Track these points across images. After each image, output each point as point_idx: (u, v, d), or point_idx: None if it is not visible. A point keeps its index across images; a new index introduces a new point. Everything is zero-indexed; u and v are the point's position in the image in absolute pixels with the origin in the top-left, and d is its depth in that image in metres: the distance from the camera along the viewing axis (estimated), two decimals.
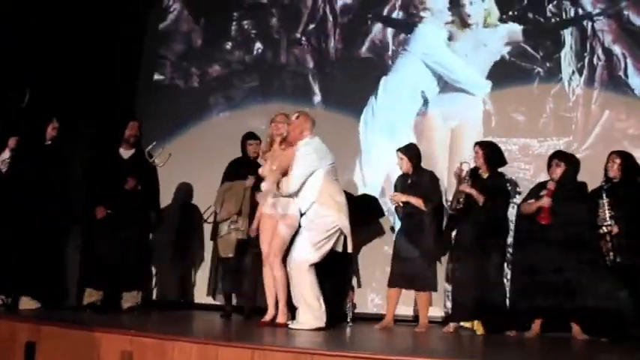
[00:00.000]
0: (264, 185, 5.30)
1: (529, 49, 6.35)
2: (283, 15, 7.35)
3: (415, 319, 5.83)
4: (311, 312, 4.96)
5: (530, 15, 6.38)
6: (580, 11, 6.23)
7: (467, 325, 5.36)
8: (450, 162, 6.23)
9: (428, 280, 5.45)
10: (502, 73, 6.38)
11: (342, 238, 5.11)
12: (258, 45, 7.43)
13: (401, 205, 5.53)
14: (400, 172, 5.77)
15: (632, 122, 5.95)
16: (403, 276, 5.46)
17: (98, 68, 6.97)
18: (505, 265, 5.53)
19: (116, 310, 5.82)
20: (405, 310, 6.02)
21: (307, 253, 5.01)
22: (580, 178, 5.38)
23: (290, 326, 4.99)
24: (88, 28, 6.92)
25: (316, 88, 7.08)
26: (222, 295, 6.09)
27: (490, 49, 6.43)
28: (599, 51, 6.13)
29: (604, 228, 5.03)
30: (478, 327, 5.30)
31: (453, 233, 5.72)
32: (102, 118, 6.70)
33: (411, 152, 5.62)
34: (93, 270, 5.86)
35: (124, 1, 7.34)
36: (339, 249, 5.13)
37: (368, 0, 7.06)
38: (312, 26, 7.21)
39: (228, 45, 7.55)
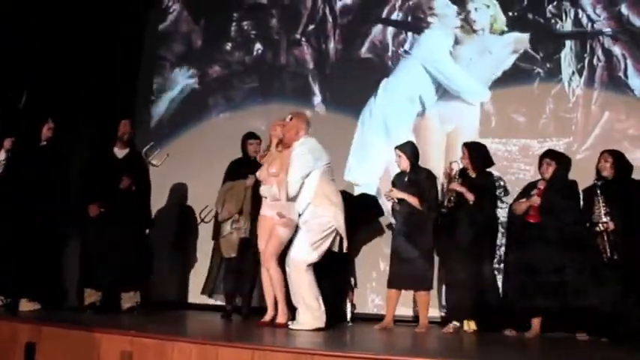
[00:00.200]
0: (263, 189, 5.30)
1: (529, 49, 6.35)
2: (283, 16, 7.35)
3: (415, 319, 5.83)
4: (310, 312, 4.96)
5: (530, 16, 6.39)
6: (580, 12, 6.23)
7: (458, 323, 5.37)
8: (446, 165, 6.22)
9: (426, 279, 5.45)
10: (502, 73, 6.38)
11: (339, 237, 5.12)
12: (258, 46, 7.43)
13: (396, 201, 5.52)
14: (397, 172, 5.78)
15: (632, 123, 5.96)
16: (402, 276, 5.46)
17: (98, 68, 6.98)
18: (495, 263, 5.54)
19: (116, 311, 5.82)
20: (405, 310, 6.02)
21: (304, 253, 5.01)
22: (580, 178, 5.39)
23: (290, 326, 4.99)
24: (88, 28, 6.93)
25: (316, 89, 7.08)
26: (221, 295, 6.07)
27: (495, 57, 6.43)
28: (599, 52, 6.14)
29: (600, 226, 5.04)
30: (469, 324, 5.30)
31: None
32: (101, 119, 6.69)
33: (409, 150, 5.62)
34: (91, 270, 5.85)
35: (123, 1, 7.34)
36: (336, 249, 5.13)
37: (368, 1, 7.06)
38: (311, 27, 7.21)
39: (228, 46, 7.55)
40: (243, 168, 5.90)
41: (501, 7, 6.48)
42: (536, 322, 5.21)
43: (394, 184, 5.69)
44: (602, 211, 5.05)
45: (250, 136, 6.08)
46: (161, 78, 7.71)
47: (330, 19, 7.13)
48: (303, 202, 5.08)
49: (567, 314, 5.10)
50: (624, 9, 6.10)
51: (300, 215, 5.13)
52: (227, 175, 6.07)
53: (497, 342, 5.02)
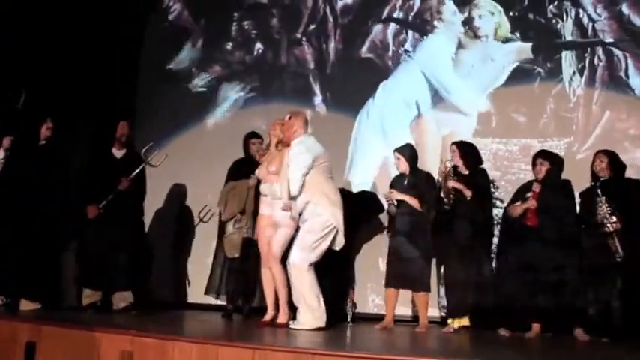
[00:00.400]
0: (263, 187, 5.29)
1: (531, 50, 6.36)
2: (284, 15, 7.35)
3: (415, 319, 5.82)
4: (311, 312, 4.96)
5: (531, 16, 6.38)
6: (581, 12, 6.23)
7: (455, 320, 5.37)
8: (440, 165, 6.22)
9: (424, 280, 5.45)
10: (503, 73, 6.38)
11: (339, 236, 5.12)
12: (258, 45, 7.43)
13: (395, 203, 5.52)
14: (393, 175, 5.81)
15: (632, 122, 5.95)
16: (399, 276, 5.45)
17: (98, 68, 6.97)
18: (492, 262, 5.54)
19: (113, 311, 5.82)
20: (405, 310, 6.02)
21: (305, 253, 5.01)
22: (581, 178, 5.38)
23: (290, 326, 4.99)
24: (89, 28, 6.92)
25: (316, 89, 7.08)
26: (224, 295, 6.07)
27: (497, 64, 6.42)
28: (600, 51, 6.13)
29: (610, 226, 5.01)
30: (463, 321, 5.31)
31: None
32: (102, 119, 6.69)
33: (408, 152, 5.63)
34: (89, 270, 5.85)
35: (124, 1, 7.34)
36: (337, 247, 5.13)
37: (368, 1, 7.06)
38: (312, 27, 7.21)
39: (229, 45, 7.54)
40: (245, 168, 5.90)
41: (503, 7, 6.47)
42: (536, 323, 5.20)
43: (393, 186, 5.68)
44: (607, 211, 5.03)
45: (253, 135, 6.08)
46: (161, 77, 7.71)
47: (331, 19, 7.13)
48: (301, 200, 5.08)
49: (567, 314, 5.09)
50: (625, 8, 6.09)
51: (299, 214, 5.12)
52: (229, 175, 6.07)
53: (498, 342, 5.02)
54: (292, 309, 5.17)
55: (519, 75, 6.35)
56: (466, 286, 5.29)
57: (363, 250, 6.39)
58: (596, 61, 6.14)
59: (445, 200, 5.38)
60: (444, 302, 5.92)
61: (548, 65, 6.27)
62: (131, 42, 7.58)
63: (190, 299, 6.96)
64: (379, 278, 6.19)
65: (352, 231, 5.28)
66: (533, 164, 5.42)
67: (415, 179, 5.55)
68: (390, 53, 6.86)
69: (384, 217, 6.30)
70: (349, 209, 5.27)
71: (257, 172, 5.40)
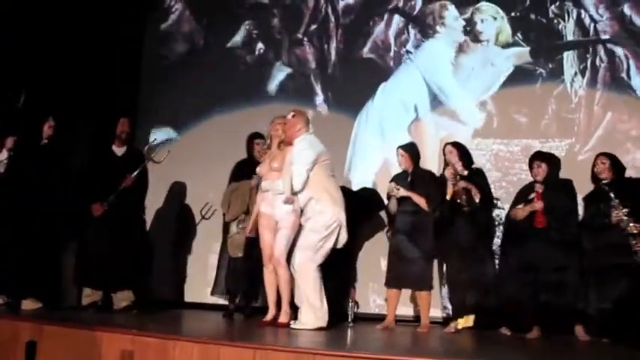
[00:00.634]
0: (265, 184, 5.28)
1: (532, 49, 6.35)
2: (285, 15, 7.35)
3: (416, 319, 5.82)
4: (313, 312, 4.96)
5: (533, 16, 6.38)
6: (582, 12, 6.22)
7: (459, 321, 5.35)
8: (440, 170, 6.20)
9: (426, 279, 5.44)
10: (504, 74, 6.38)
11: (341, 234, 5.12)
12: (259, 45, 7.43)
13: (396, 196, 5.49)
14: (397, 172, 5.78)
15: (634, 123, 5.95)
16: (401, 276, 5.44)
17: (99, 68, 6.97)
18: (495, 262, 5.54)
19: (114, 310, 5.82)
20: (407, 310, 6.02)
21: (310, 252, 5.01)
22: (582, 179, 5.38)
23: (292, 326, 4.98)
24: (90, 28, 6.92)
25: (318, 89, 7.08)
26: (228, 295, 6.07)
27: (497, 69, 6.42)
28: (602, 52, 6.13)
29: (632, 227, 4.94)
30: (467, 321, 5.29)
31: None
32: (103, 118, 6.67)
33: (412, 150, 5.63)
34: (89, 269, 5.84)
35: (125, 1, 7.33)
36: (340, 245, 5.13)
37: (370, 1, 7.05)
38: (313, 27, 7.21)
39: (230, 45, 7.53)
40: (248, 168, 5.89)
41: (504, 7, 6.47)
42: (539, 323, 5.20)
43: (393, 183, 5.66)
44: (623, 213, 4.98)
45: (257, 135, 6.06)
46: (162, 77, 7.71)
47: (333, 19, 7.13)
48: (304, 196, 5.08)
49: (571, 315, 5.08)
50: (627, 9, 6.09)
51: (301, 210, 5.13)
52: (232, 176, 6.07)
53: (499, 342, 5.02)
54: (293, 309, 5.17)
55: (521, 76, 6.35)
56: (470, 287, 5.28)
57: (364, 250, 6.38)
58: (597, 61, 6.14)
59: (458, 201, 5.32)
60: (446, 302, 5.94)
61: (550, 66, 6.27)
62: (132, 42, 7.58)
63: (191, 299, 6.95)
64: (380, 278, 6.17)
65: (353, 230, 5.26)
66: (530, 167, 5.42)
67: (417, 177, 5.54)
68: (392, 54, 6.86)
69: (385, 216, 6.31)
70: (350, 206, 5.26)
71: (258, 169, 5.38)
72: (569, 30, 6.27)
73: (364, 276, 6.38)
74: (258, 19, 7.46)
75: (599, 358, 4.48)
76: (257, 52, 7.40)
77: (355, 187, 6.58)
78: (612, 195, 5.04)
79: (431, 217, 5.46)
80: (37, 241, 5.65)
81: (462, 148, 5.59)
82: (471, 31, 6.57)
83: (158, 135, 7.41)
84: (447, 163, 5.55)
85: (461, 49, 6.58)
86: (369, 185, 6.58)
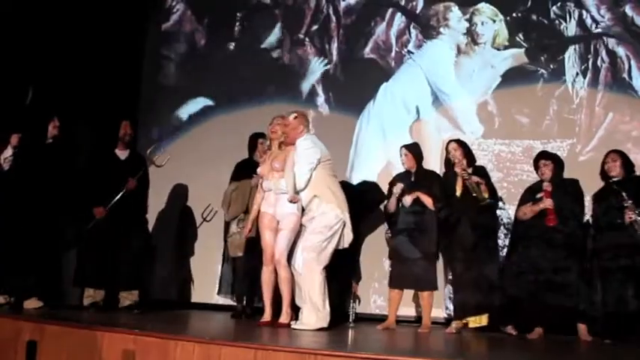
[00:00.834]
0: (266, 184, 5.28)
1: (532, 49, 6.36)
2: (287, 15, 7.34)
3: (418, 319, 5.82)
4: (315, 313, 4.96)
5: (534, 17, 6.38)
6: (584, 13, 6.22)
7: (469, 320, 5.35)
8: (441, 170, 6.20)
9: (430, 280, 5.43)
10: (505, 75, 6.38)
11: (343, 235, 5.12)
12: (261, 45, 7.42)
13: (396, 195, 5.49)
14: (400, 171, 5.79)
15: (636, 124, 5.96)
16: (405, 277, 5.44)
17: (101, 68, 6.97)
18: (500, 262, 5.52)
19: (115, 309, 5.83)
20: (408, 310, 6.01)
21: (314, 253, 5.01)
22: (584, 179, 5.38)
23: (293, 326, 4.98)
24: (91, 28, 6.92)
25: (319, 89, 7.07)
26: (232, 295, 6.08)
27: (497, 70, 6.43)
28: (603, 53, 6.13)
29: None
30: (480, 320, 5.30)
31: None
32: (105, 119, 6.69)
33: (415, 150, 5.63)
34: (92, 270, 5.85)
35: (127, 1, 7.33)
36: (345, 245, 5.14)
37: (371, 1, 7.05)
38: (315, 27, 7.21)
39: (232, 45, 7.54)
40: (249, 168, 5.90)
41: (506, 8, 6.47)
42: (547, 323, 5.20)
43: (395, 182, 5.66)
44: (637, 212, 4.93)
45: (261, 135, 6.04)
46: (164, 78, 7.71)
47: (334, 19, 7.12)
48: (308, 194, 5.09)
49: (577, 315, 5.08)
50: (629, 10, 6.09)
51: (303, 210, 5.14)
52: (233, 175, 6.07)
53: (501, 343, 5.01)
54: (293, 309, 5.17)
55: (522, 76, 6.35)
56: (480, 285, 5.25)
57: (365, 250, 6.38)
58: (599, 62, 6.13)
59: (474, 195, 5.27)
60: (448, 303, 5.95)
61: (552, 67, 6.27)
62: (133, 42, 7.57)
63: (197, 299, 6.96)
64: (382, 279, 6.19)
65: (356, 230, 5.25)
66: (536, 166, 5.41)
67: (421, 177, 5.54)
68: (393, 54, 6.86)
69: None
70: (352, 205, 5.25)
71: (259, 169, 5.38)
72: (570, 31, 6.27)
73: (366, 276, 6.38)
74: (260, 20, 7.44)
75: (601, 358, 4.48)
76: (258, 52, 7.40)
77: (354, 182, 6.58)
78: (625, 195, 5.01)
79: (434, 217, 5.45)
80: (39, 240, 5.65)
81: (465, 145, 5.58)
82: (470, 32, 6.57)
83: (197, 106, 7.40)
84: (448, 160, 5.53)
85: (463, 50, 6.59)
86: (373, 185, 6.54)
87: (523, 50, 6.37)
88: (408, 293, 5.70)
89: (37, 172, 5.72)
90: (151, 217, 6.65)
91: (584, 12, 6.23)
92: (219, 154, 6.89)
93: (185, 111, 7.52)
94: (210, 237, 6.84)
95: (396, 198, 5.51)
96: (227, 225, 6.07)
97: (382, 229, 6.34)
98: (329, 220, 5.06)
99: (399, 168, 5.85)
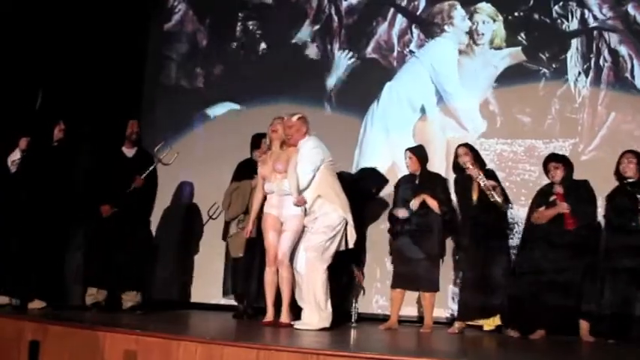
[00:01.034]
0: (268, 186, 5.28)
1: (533, 50, 6.35)
2: (288, 16, 7.33)
3: (420, 319, 5.81)
4: (318, 313, 4.98)
5: (536, 16, 6.37)
6: (586, 12, 6.21)
7: (480, 322, 5.33)
8: (447, 171, 6.19)
9: (432, 281, 5.43)
10: (507, 74, 6.37)
11: (346, 236, 5.13)
12: (263, 45, 7.43)
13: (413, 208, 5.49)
14: (397, 178, 5.82)
15: (638, 124, 5.94)
16: (407, 277, 5.44)
17: (103, 69, 6.97)
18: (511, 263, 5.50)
19: (118, 310, 5.83)
20: (410, 311, 6.01)
21: (318, 254, 5.02)
22: (586, 179, 5.35)
23: (295, 326, 4.99)
24: (93, 29, 6.91)
25: (321, 89, 7.06)
26: (234, 295, 6.07)
27: (499, 70, 6.43)
28: (606, 52, 6.12)
29: None
30: (494, 322, 5.28)
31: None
32: (107, 119, 6.70)
33: (420, 153, 5.63)
34: (97, 269, 5.86)
35: (129, 1, 7.34)
36: (350, 245, 5.15)
37: (373, 1, 7.05)
38: (317, 27, 7.20)
39: (233, 45, 7.54)
40: (250, 168, 5.89)
41: (508, 7, 6.46)
42: (541, 329, 5.19)
43: (400, 186, 5.66)
44: None
45: (264, 135, 6.01)
46: (166, 78, 7.71)
47: (336, 19, 7.12)
48: (311, 194, 5.10)
49: (585, 315, 5.07)
50: (631, 9, 6.08)
51: (306, 211, 5.14)
52: (234, 175, 6.07)
53: (502, 343, 5.01)
54: (293, 309, 5.18)
55: (524, 76, 6.34)
56: (492, 287, 5.24)
57: (368, 250, 6.36)
58: (601, 61, 6.13)
59: (492, 199, 5.24)
60: (450, 303, 5.95)
61: (554, 66, 6.26)
62: (136, 42, 7.57)
63: (199, 299, 6.95)
64: (384, 279, 6.19)
65: (358, 230, 5.25)
66: (546, 169, 5.36)
67: (426, 180, 5.54)
68: (395, 54, 6.86)
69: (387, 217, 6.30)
70: (355, 186, 5.24)
71: (260, 170, 5.37)
72: (572, 30, 6.25)
73: (368, 277, 6.35)
74: (262, 20, 7.45)
75: (606, 358, 4.48)
76: (260, 53, 7.40)
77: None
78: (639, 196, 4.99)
79: (439, 219, 5.45)
80: (43, 241, 5.67)
81: (474, 149, 5.57)
82: (472, 31, 6.56)
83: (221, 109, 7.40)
84: (457, 164, 5.51)
85: (466, 49, 6.58)
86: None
87: (520, 48, 6.36)
88: (412, 293, 5.69)
89: (42, 175, 5.73)
90: (156, 215, 6.65)
91: (586, 11, 6.21)
92: (222, 153, 6.89)
93: (187, 111, 7.51)
94: (213, 237, 6.83)
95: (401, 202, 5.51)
96: (227, 225, 6.07)
97: (384, 230, 6.33)
98: (331, 221, 5.06)
99: (404, 168, 5.84)
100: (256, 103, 7.23)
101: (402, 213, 5.48)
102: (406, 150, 5.67)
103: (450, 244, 5.92)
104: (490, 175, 5.46)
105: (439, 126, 6.55)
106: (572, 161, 5.52)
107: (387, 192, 6.23)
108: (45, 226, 5.68)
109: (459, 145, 5.60)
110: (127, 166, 5.97)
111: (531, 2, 6.38)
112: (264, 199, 5.33)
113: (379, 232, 6.34)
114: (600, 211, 5.26)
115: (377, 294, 6.39)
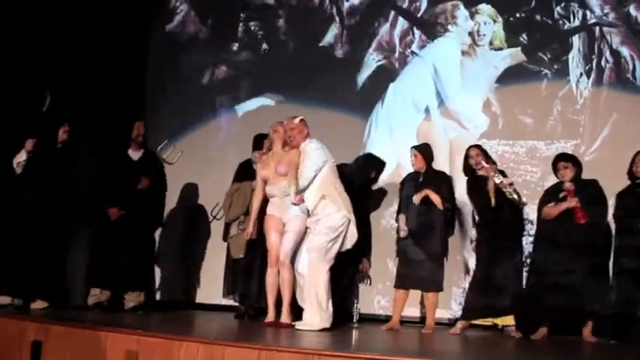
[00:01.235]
0: (269, 188, 5.28)
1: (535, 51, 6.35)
2: (290, 16, 7.34)
3: (422, 320, 5.81)
4: (319, 313, 4.99)
5: (538, 17, 6.37)
6: (588, 13, 6.21)
7: (494, 321, 5.33)
8: (451, 171, 6.20)
9: (436, 281, 5.43)
10: (509, 75, 6.37)
11: (347, 236, 5.14)
12: (264, 46, 7.43)
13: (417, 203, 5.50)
14: (401, 178, 5.82)
15: None
16: (410, 277, 5.44)
17: (105, 70, 6.97)
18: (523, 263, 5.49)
19: (120, 310, 5.83)
20: (413, 311, 6.01)
21: (320, 255, 5.03)
22: (595, 179, 5.33)
23: (297, 327, 5.00)
24: (95, 30, 6.92)
25: (324, 90, 7.05)
26: (235, 296, 6.08)
27: (500, 71, 6.42)
28: (607, 53, 6.12)
29: None
30: (508, 321, 5.27)
31: (473, 232, 5.75)
32: (110, 120, 6.71)
33: (425, 150, 5.63)
34: (102, 270, 5.87)
35: (131, 2, 7.34)
36: (349, 245, 5.16)
37: (375, 2, 7.05)
38: (319, 27, 7.20)
39: (235, 46, 7.55)
40: (250, 169, 5.90)
41: (509, 8, 6.46)
42: (542, 328, 5.18)
43: (405, 183, 5.67)
44: None
45: (266, 136, 6.01)
46: (168, 78, 7.73)
47: (338, 20, 7.12)
48: (315, 195, 5.11)
49: (589, 315, 5.07)
50: (633, 10, 6.08)
51: (308, 212, 5.15)
52: (235, 176, 6.07)
53: (504, 343, 5.01)
54: (294, 310, 5.19)
55: (526, 77, 6.33)
56: (505, 287, 5.23)
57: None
58: (603, 62, 6.12)
59: (510, 197, 5.23)
60: (454, 305, 5.94)
61: (555, 67, 6.26)
62: (137, 43, 7.58)
63: (202, 300, 6.96)
64: (386, 279, 6.19)
65: (360, 230, 5.25)
66: (556, 168, 5.34)
67: (430, 178, 5.54)
68: (397, 54, 6.86)
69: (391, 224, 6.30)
70: (357, 200, 5.25)
71: (263, 173, 5.36)
72: (574, 31, 6.24)
73: (370, 277, 6.36)
74: (264, 20, 7.46)
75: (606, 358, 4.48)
76: (262, 52, 7.41)
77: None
78: None
79: (441, 218, 5.45)
80: (45, 242, 5.68)
81: (484, 150, 5.56)
82: (473, 32, 6.57)
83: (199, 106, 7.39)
84: (468, 166, 5.49)
85: (468, 50, 6.58)
86: (380, 185, 6.50)
87: (520, 49, 6.37)
88: (415, 294, 5.69)
89: (46, 176, 5.74)
90: None
91: (587, 12, 6.21)
92: (224, 154, 6.90)
93: (190, 111, 7.52)
94: (215, 237, 6.85)
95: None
96: (227, 226, 6.07)
97: (385, 230, 6.34)
98: (334, 222, 5.08)
99: (408, 169, 5.86)
100: (257, 104, 7.23)
101: (402, 233, 5.51)
102: (412, 148, 5.69)
103: (455, 244, 5.91)
104: (501, 174, 5.45)
105: (442, 127, 6.55)
106: None
107: (392, 189, 6.26)
108: (48, 227, 5.69)
109: (470, 147, 5.59)
110: (133, 168, 5.97)
111: (533, 3, 6.38)
112: (265, 200, 5.34)
113: (380, 231, 6.35)
114: (610, 211, 5.25)
115: (378, 294, 6.39)
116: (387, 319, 5.74)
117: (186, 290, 7.08)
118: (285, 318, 5.12)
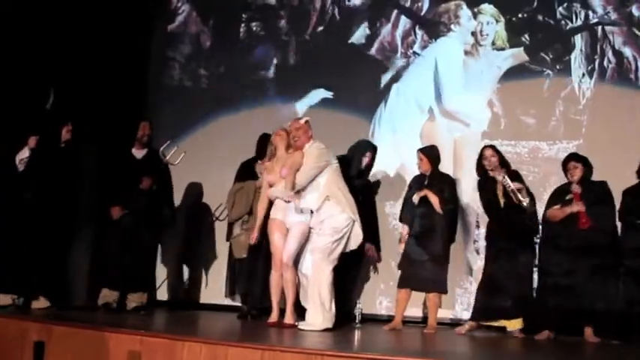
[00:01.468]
0: (272, 191, 5.27)
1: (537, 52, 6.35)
2: (292, 17, 7.34)
3: (424, 320, 5.81)
4: (322, 313, 4.99)
5: (540, 17, 6.37)
6: (590, 13, 6.21)
7: (500, 324, 5.32)
8: (455, 171, 6.19)
9: (438, 282, 5.43)
10: (511, 75, 6.37)
11: (351, 237, 5.14)
12: (264, 46, 7.43)
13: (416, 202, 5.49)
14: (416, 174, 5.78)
15: None
16: (414, 277, 5.44)
17: (107, 70, 6.97)
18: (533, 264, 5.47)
19: (122, 311, 5.84)
20: (415, 311, 6.00)
21: (324, 255, 5.04)
22: (604, 180, 5.33)
23: (300, 327, 5.00)
24: (97, 30, 6.92)
25: (323, 89, 7.05)
26: (238, 296, 6.08)
27: (502, 71, 6.42)
28: (610, 53, 6.11)
29: None
30: (515, 324, 5.27)
31: (482, 232, 5.75)
32: (112, 120, 6.71)
33: (431, 153, 5.63)
34: (109, 270, 5.87)
35: (132, 3, 7.35)
36: (354, 246, 5.17)
37: (377, 2, 7.05)
38: (320, 28, 7.20)
39: (236, 46, 7.55)
40: (254, 168, 5.89)
41: (512, 8, 6.45)
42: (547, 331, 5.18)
43: (411, 187, 5.67)
44: None
45: (270, 136, 6.00)
46: (170, 79, 7.73)
47: (339, 20, 7.12)
48: (319, 198, 5.11)
49: (592, 315, 5.06)
50: (635, 10, 6.07)
51: (311, 212, 5.15)
52: (238, 175, 6.06)
53: (506, 344, 5.01)
54: (297, 310, 5.19)
55: (528, 77, 6.33)
56: (514, 288, 5.23)
57: None
58: (605, 62, 6.12)
59: (521, 199, 5.22)
60: (457, 305, 5.94)
61: (558, 67, 6.25)
62: (140, 44, 7.58)
63: (206, 300, 6.95)
64: (388, 280, 6.18)
65: (363, 230, 5.25)
66: (566, 168, 5.35)
67: (436, 180, 5.54)
68: (399, 54, 6.85)
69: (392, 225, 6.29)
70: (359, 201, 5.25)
71: (268, 178, 5.32)
72: (576, 31, 6.24)
73: (372, 277, 6.36)
74: (265, 21, 7.46)
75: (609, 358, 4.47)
76: (264, 54, 7.41)
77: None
78: None
79: (444, 220, 5.44)
80: (47, 241, 5.68)
81: (499, 151, 5.55)
82: (476, 32, 6.56)
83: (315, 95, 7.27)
84: (482, 166, 5.48)
85: (471, 49, 6.58)
86: (385, 185, 6.50)
87: (522, 49, 6.37)
88: (417, 294, 5.68)
89: (48, 175, 5.75)
90: None
91: (590, 12, 6.21)
92: (226, 154, 6.88)
93: (192, 111, 7.52)
94: (218, 237, 6.84)
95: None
96: (230, 226, 6.06)
97: (387, 230, 6.33)
98: (338, 223, 5.08)
99: (412, 169, 5.86)
100: (257, 104, 7.23)
101: (402, 241, 5.55)
102: (418, 150, 5.70)
103: (459, 245, 5.91)
104: (514, 175, 5.42)
105: (446, 127, 6.55)
106: None
107: (395, 189, 6.29)
108: (49, 226, 5.68)
109: (486, 147, 5.58)
110: (136, 167, 5.97)
111: (535, 3, 6.37)
112: (271, 205, 5.33)
113: (382, 233, 6.33)
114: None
115: (381, 295, 6.38)
116: (389, 319, 5.73)
117: (188, 290, 7.08)
118: (288, 318, 5.13)
